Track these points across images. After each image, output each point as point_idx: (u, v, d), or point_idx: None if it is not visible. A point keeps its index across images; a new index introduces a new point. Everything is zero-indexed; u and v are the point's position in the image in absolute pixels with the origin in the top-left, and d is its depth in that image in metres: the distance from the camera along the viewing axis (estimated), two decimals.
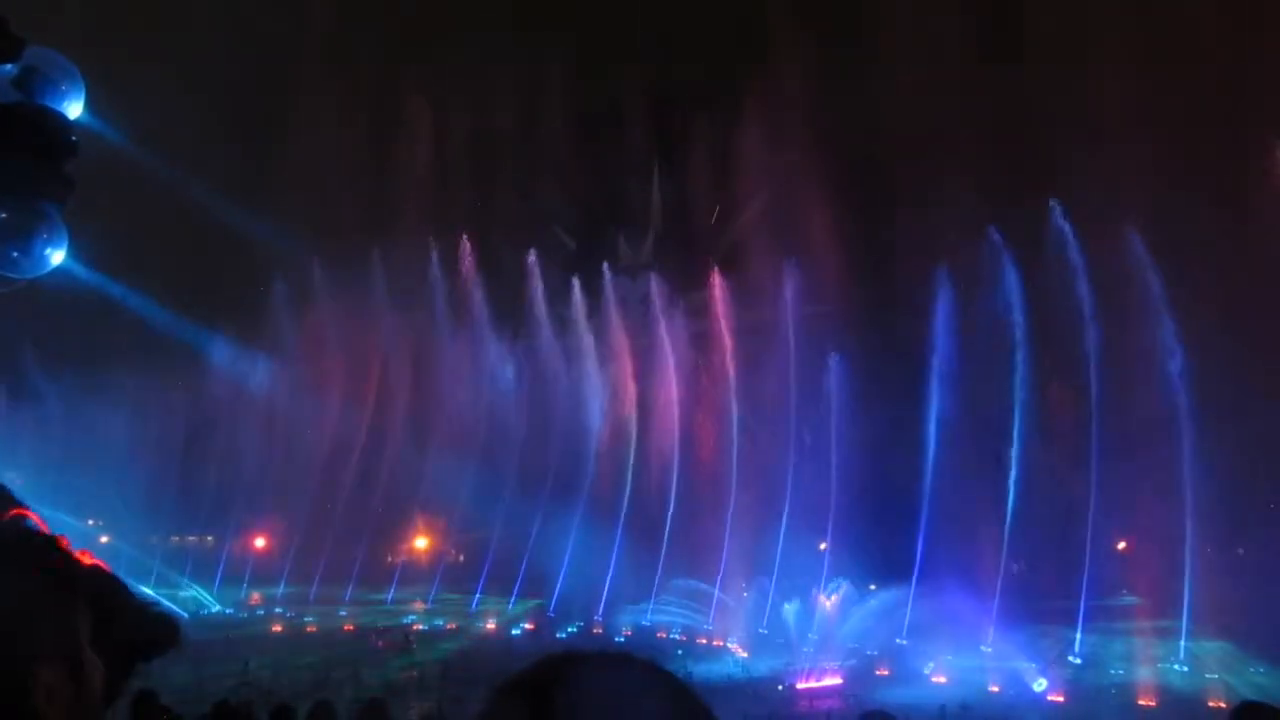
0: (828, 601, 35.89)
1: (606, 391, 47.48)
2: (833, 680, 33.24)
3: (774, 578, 40.28)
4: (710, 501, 42.66)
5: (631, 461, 45.36)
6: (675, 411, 44.48)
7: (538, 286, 50.26)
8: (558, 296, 52.11)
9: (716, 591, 41.45)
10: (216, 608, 46.43)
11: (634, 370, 48.27)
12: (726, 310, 45.98)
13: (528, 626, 44.35)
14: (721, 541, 42.25)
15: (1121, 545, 39.69)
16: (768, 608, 39.26)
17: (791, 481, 40.56)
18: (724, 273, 48.43)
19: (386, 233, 49.05)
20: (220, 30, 49.53)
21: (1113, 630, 35.09)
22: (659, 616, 42.60)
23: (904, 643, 35.75)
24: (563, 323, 51.32)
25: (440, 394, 47.41)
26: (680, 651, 38.48)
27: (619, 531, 44.19)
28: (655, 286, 49.92)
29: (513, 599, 46.69)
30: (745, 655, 37.97)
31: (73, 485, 46.79)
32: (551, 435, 45.78)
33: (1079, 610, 35.76)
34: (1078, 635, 34.68)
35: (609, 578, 43.87)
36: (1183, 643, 32.62)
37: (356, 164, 50.59)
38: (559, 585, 45.07)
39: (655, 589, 43.47)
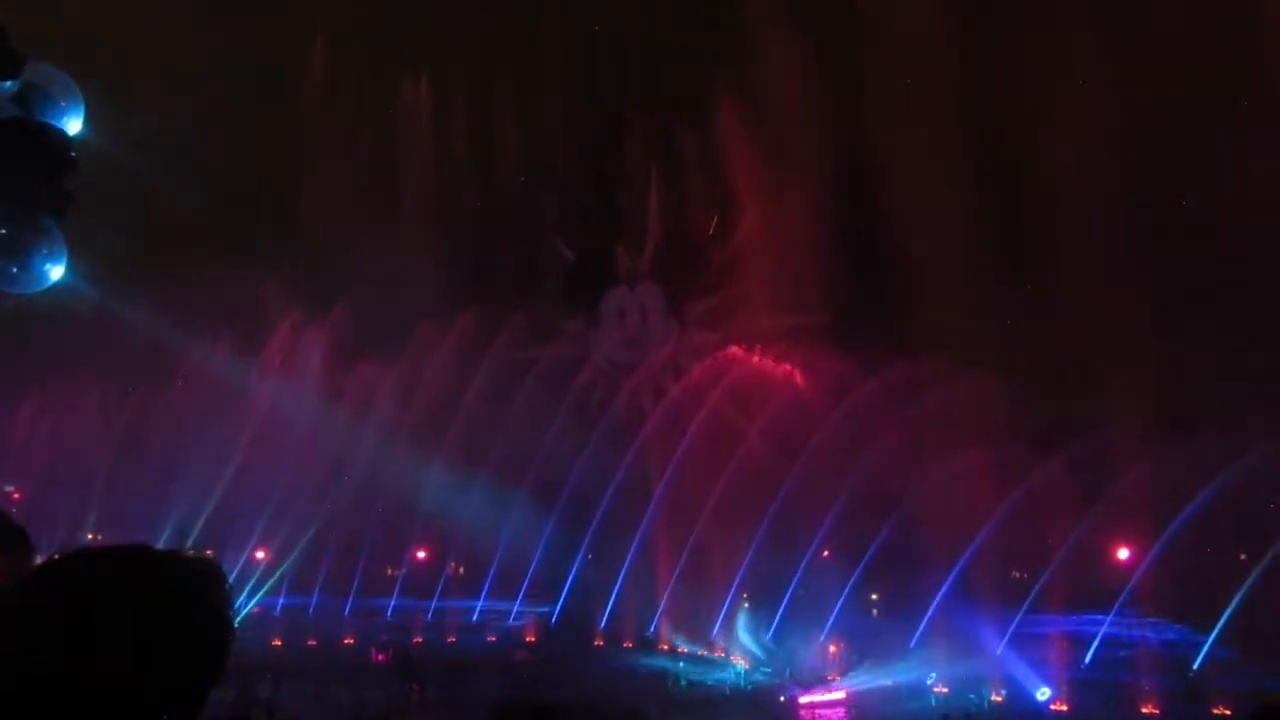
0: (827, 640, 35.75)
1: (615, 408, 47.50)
2: (836, 692, 33.13)
3: (788, 590, 40.08)
4: (715, 511, 42.50)
5: (627, 472, 45.23)
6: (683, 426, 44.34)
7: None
8: (559, 307, 52.17)
9: (723, 610, 41.32)
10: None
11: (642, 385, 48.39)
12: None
13: (529, 640, 44.21)
14: (723, 551, 42.11)
15: (1124, 554, 39.61)
16: (775, 619, 39.16)
17: (794, 490, 40.40)
18: (721, 284, 48.53)
19: (386, 242, 49.06)
20: (218, 39, 49.63)
21: (1120, 639, 35.02)
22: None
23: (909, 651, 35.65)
24: (567, 335, 51.34)
25: (447, 404, 47.34)
26: (681, 664, 38.38)
27: (611, 540, 44.12)
28: (656, 297, 50.00)
29: (513, 613, 46.50)
30: (747, 666, 37.82)
31: (71, 498, 46.78)
32: (557, 447, 45.68)
33: (1083, 619, 35.70)
34: (1092, 644, 34.62)
35: (615, 590, 43.73)
36: (1203, 649, 32.59)
37: (354, 168, 50.72)
38: (562, 597, 44.94)
39: (662, 603, 43.35)
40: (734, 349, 46.14)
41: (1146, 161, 36.17)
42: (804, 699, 32.69)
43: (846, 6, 43.85)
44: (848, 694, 32.91)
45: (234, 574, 48.60)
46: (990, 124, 39.32)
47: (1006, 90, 38.54)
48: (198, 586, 1.62)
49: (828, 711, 31.75)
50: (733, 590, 41.95)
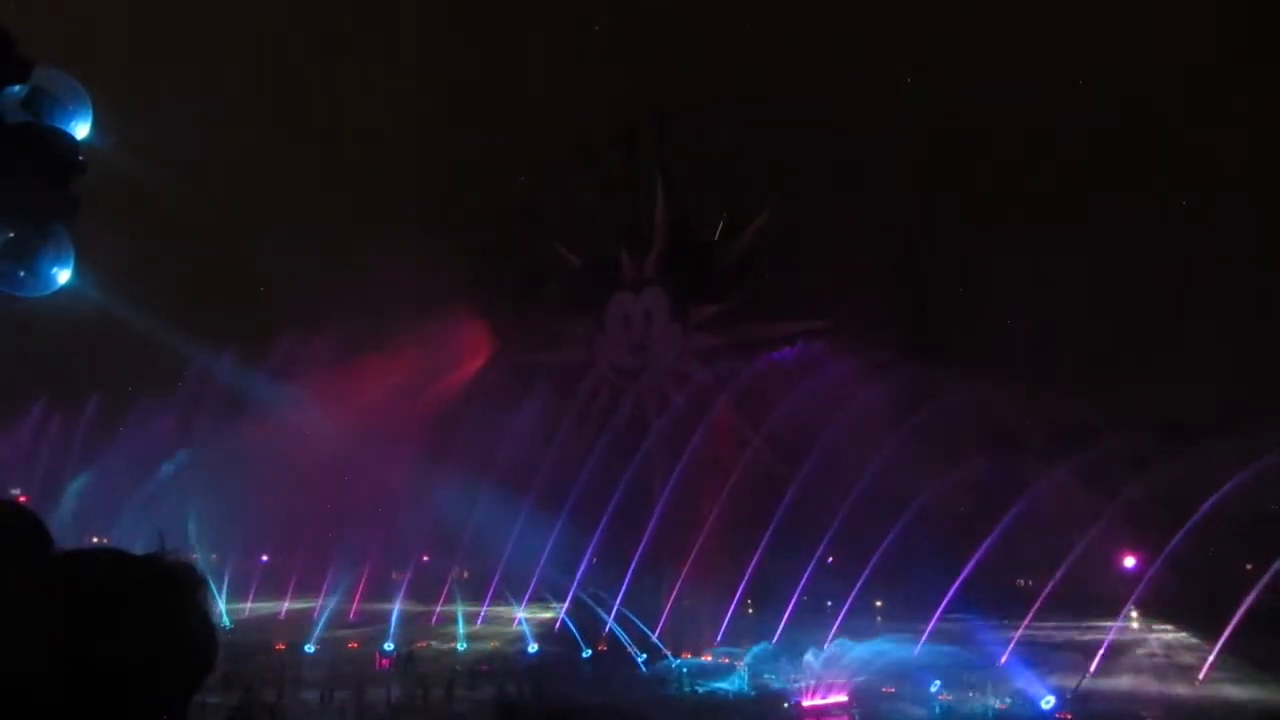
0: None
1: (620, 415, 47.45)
2: (839, 697, 33.03)
3: (794, 594, 39.92)
4: (720, 516, 42.40)
5: (631, 477, 45.12)
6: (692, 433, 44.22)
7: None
8: (563, 312, 52.10)
9: (728, 615, 41.22)
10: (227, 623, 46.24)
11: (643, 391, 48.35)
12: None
13: (533, 644, 44.12)
14: (728, 557, 42.02)
15: (1130, 562, 39.46)
16: (780, 624, 38.99)
17: (799, 498, 40.29)
18: (727, 289, 48.45)
19: (388, 247, 49.21)
20: (228, 42, 49.86)
21: (1123, 647, 34.90)
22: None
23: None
24: (571, 340, 51.25)
25: (452, 409, 47.34)
26: (685, 669, 38.25)
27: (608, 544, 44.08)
28: (661, 301, 49.91)
29: (519, 618, 46.39)
30: (750, 671, 37.67)
31: (77, 504, 46.88)
32: (559, 452, 45.62)
33: (1088, 627, 35.59)
34: (1098, 652, 34.48)
35: (620, 595, 43.61)
36: (1209, 657, 32.50)
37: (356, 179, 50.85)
38: (567, 602, 44.82)
39: (667, 607, 43.26)
40: (738, 353, 46.02)
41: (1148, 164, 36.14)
42: (807, 703, 32.59)
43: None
44: (851, 699, 32.81)
45: (236, 579, 48.73)
46: (995, 132, 39.31)
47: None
48: (179, 588, 1.64)
49: (831, 716, 31.66)
50: (738, 595, 41.81)
